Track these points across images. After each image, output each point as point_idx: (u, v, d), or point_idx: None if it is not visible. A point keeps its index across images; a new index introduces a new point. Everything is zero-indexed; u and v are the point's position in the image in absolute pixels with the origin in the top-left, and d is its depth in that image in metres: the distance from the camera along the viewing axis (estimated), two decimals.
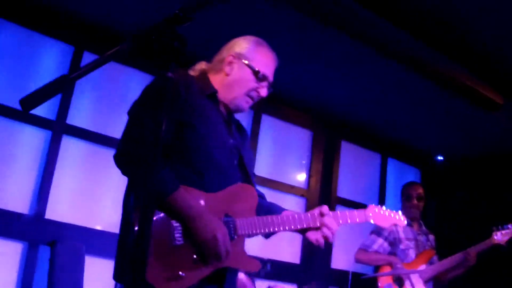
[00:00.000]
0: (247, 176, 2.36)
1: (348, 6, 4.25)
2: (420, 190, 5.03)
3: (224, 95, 2.37)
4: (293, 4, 4.18)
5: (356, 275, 5.04)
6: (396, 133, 6.56)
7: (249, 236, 2.23)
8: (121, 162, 2.05)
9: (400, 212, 2.76)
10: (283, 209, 2.45)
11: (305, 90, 5.70)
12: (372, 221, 2.57)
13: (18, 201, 4.22)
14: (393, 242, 4.87)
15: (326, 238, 2.32)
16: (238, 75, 2.37)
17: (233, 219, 2.18)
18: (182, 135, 2.10)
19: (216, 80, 2.39)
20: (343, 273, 5.84)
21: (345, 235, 6.19)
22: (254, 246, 5.22)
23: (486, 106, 5.27)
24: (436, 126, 6.17)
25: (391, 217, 2.68)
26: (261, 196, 2.49)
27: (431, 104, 5.60)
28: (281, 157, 5.96)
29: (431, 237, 5.05)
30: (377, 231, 4.98)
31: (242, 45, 2.42)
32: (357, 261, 4.98)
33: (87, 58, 4.62)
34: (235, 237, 2.16)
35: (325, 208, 2.38)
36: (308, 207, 5.95)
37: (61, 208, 4.38)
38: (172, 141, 2.09)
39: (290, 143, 6.07)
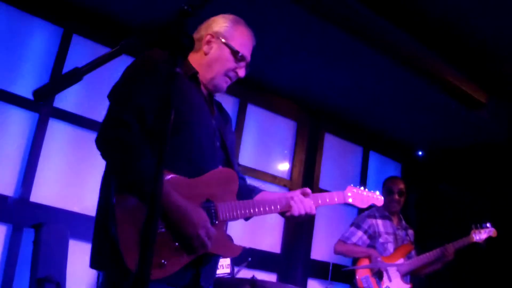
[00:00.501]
0: (228, 158, 2.37)
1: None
2: (402, 185, 5.12)
3: (203, 75, 2.35)
4: None
5: (336, 266, 5.13)
6: (378, 126, 6.64)
7: (230, 220, 2.24)
8: (102, 146, 2.02)
9: (378, 192, 2.85)
10: (261, 190, 2.50)
11: (291, 80, 5.73)
12: (350, 201, 2.67)
13: (3, 183, 4.20)
14: (372, 235, 4.96)
15: (299, 214, 2.36)
16: (216, 54, 2.36)
17: (214, 204, 2.17)
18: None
19: (194, 59, 2.36)
20: (323, 264, 5.94)
21: (326, 227, 6.29)
22: (235, 235, 5.32)
23: (470, 105, 5.38)
24: (418, 120, 6.26)
25: (368, 196, 2.76)
26: (242, 178, 2.50)
27: (414, 98, 5.67)
28: (265, 147, 6.00)
29: (410, 232, 5.16)
30: (357, 223, 5.08)
31: (221, 23, 2.40)
32: (336, 252, 5.07)
33: (76, 40, 4.59)
34: (216, 222, 2.15)
35: (307, 190, 2.44)
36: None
37: (47, 191, 4.37)
38: (154, 123, 2.04)
39: (275, 133, 6.12)
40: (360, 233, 5.01)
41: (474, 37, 4.77)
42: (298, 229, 6.06)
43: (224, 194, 2.22)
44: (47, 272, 3.95)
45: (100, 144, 2.02)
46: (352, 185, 2.74)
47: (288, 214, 2.38)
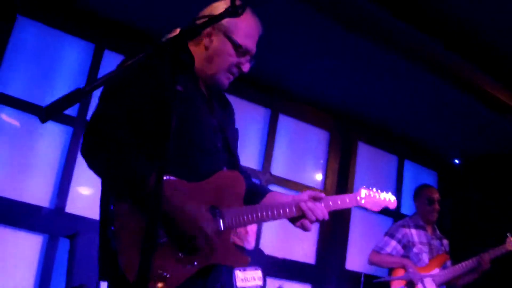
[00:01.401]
0: (232, 158, 2.22)
1: (369, 9, 4.28)
2: (437, 194, 5.04)
3: (203, 70, 2.14)
4: (315, 5, 4.22)
5: (368, 277, 5.08)
6: (413, 135, 6.56)
7: (237, 227, 2.09)
8: (88, 145, 1.89)
9: (390, 193, 2.62)
10: (269, 191, 2.33)
11: (323, 89, 5.73)
12: (363, 202, 2.46)
13: (40, 194, 4.35)
14: (407, 245, 4.88)
15: (312, 222, 2.20)
16: (218, 48, 2.12)
17: (220, 211, 2.03)
18: (162, 104, 1.82)
19: (194, 53, 2.12)
20: (356, 275, 5.88)
21: (360, 236, 6.23)
22: (268, 244, 5.35)
23: (505, 112, 5.26)
24: (453, 128, 6.17)
25: (381, 200, 2.53)
26: (246, 176, 2.33)
27: (449, 106, 5.60)
28: (298, 157, 6.00)
29: (445, 241, 5.05)
30: (391, 233, 5.01)
31: (219, 10, 1.95)
32: (370, 263, 5.00)
33: (108, 56, 4.73)
34: (223, 230, 2.01)
35: (319, 194, 2.25)
36: None
37: (81, 202, 4.49)
38: (149, 125, 1.90)
39: (307, 143, 6.11)
40: (394, 243, 4.93)
41: (507, 45, 4.68)
42: (333, 238, 6.02)
43: (230, 199, 2.08)
44: (81, 281, 4.07)
45: (86, 144, 1.90)
46: (364, 186, 2.53)
47: (298, 223, 2.22)
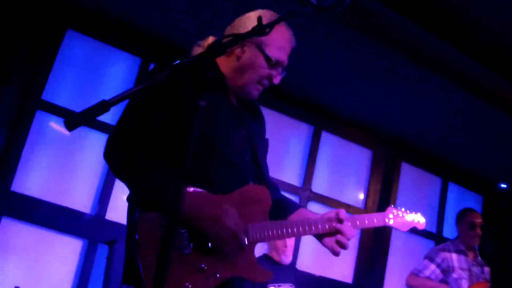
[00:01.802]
0: (260, 170, 2.18)
1: (417, 34, 4.28)
2: (480, 219, 4.90)
3: (233, 80, 2.14)
4: (362, 30, 4.25)
5: None
6: (458, 157, 6.41)
7: (261, 241, 2.07)
8: (110, 162, 1.95)
9: (420, 214, 2.59)
10: (297, 207, 2.28)
11: (367, 109, 5.70)
12: (391, 223, 2.44)
13: (82, 201, 4.50)
14: (446, 270, 4.77)
15: (342, 246, 2.14)
16: (249, 60, 2.10)
17: (245, 226, 2.00)
18: (186, 118, 1.85)
19: (224, 62, 2.14)
20: None
21: (400, 258, 6.12)
22: (305, 261, 5.33)
23: None
24: (500, 152, 6.00)
25: (408, 221, 2.50)
26: (275, 189, 2.31)
27: (495, 129, 5.47)
28: (339, 175, 5.96)
29: (486, 269, 4.90)
30: (430, 256, 4.90)
31: (252, 22, 2.00)
32: (408, 285, 4.91)
33: None
34: (246, 244, 2.00)
35: (342, 213, 2.16)
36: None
37: (121, 210, 4.60)
38: (171, 139, 1.93)
39: (349, 161, 6.07)
40: (433, 267, 4.82)
41: None
42: (372, 258, 5.94)
43: (255, 213, 2.05)
44: (118, 286, 4.17)
45: (109, 160, 1.96)
46: (392, 205, 2.51)
47: (328, 243, 2.17)
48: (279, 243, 4.35)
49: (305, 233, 2.14)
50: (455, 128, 5.68)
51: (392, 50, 4.43)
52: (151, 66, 4.85)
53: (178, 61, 1.61)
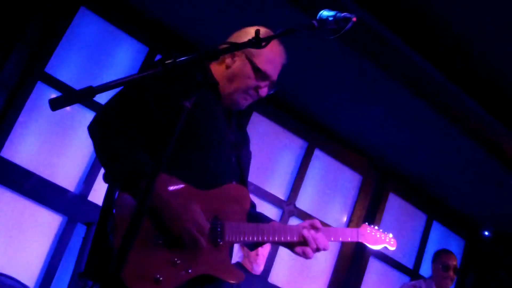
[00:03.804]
0: (242, 176, 2.25)
1: (423, 69, 4.32)
2: (456, 262, 4.92)
3: (223, 87, 2.22)
4: (364, 51, 4.29)
5: None
6: (448, 197, 6.42)
7: (236, 243, 2.12)
8: (95, 130, 2.00)
9: (391, 235, 2.69)
10: (271, 220, 2.34)
11: (364, 134, 5.73)
12: (362, 240, 2.52)
13: (68, 178, 4.52)
14: None
15: (314, 251, 2.23)
16: (238, 69, 2.20)
17: (222, 223, 2.04)
18: (172, 115, 1.89)
19: (217, 70, 2.24)
20: None
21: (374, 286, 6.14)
22: (279, 275, 5.33)
23: None
24: (489, 200, 6.02)
25: (381, 239, 2.60)
26: (252, 205, 2.35)
27: (489, 177, 5.50)
28: (326, 195, 5.97)
29: None
30: None
31: (249, 36, 2.05)
32: None
33: None
34: (221, 242, 2.03)
35: (317, 222, 2.27)
36: (343, 252, 5.94)
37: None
38: (157, 131, 2.00)
39: (338, 183, 6.07)
40: None
41: None
42: (345, 284, 5.94)
43: (234, 212, 2.10)
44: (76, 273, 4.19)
45: (93, 128, 2.01)
46: (367, 223, 2.61)
47: (299, 249, 2.24)
48: (252, 252, 4.36)
49: (280, 240, 2.20)
50: (449, 168, 5.70)
51: (396, 80, 4.47)
52: (157, 57, 4.89)
53: (171, 60, 1.66)
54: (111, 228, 1.89)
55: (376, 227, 2.62)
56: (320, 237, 2.23)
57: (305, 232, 2.22)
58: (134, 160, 1.92)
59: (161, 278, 1.86)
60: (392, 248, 2.68)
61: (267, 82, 2.24)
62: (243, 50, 2.17)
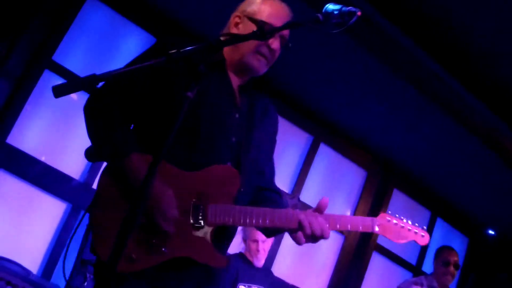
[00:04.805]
0: (244, 157, 2.09)
1: (429, 68, 4.32)
2: (457, 258, 4.89)
3: (232, 59, 2.14)
4: (373, 49, 4.29)
5: None
6: (452, 195, 6.42)
7: (221, 225, 1.96)
8: (88, 111, 2.00)
9: (425, 228, 2.30)
10: (280, 205, 2.13)
11: (370, 130, 5.74)
12: (376, 229, 2.14)
13: (74, 166, 4.57)
14: None
15: (308, 238, 1.99)
16: (243, 32, 2.12)
17: (204, 204, 1.95)
18: (172, 103, 1.93)
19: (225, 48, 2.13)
20: None
21: (375, 283, 6.14)
22: (281, 268, 5.35)
23: None
24: (494, 199, 6.01)
25: (406, 231, 2.20)
26: (276, 192, 2.25)
27: (494, 177, 5.50)
28: (330, 189, 5.98)
29: None
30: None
31: (250, 2, 2.17)
32: None
33: None
34: (203, 224, 1.93)
35: (322, 205, 2.03)
36: (345, 246, 5.95)
37: None
38: (155, 118, 1.98)
39: (342, 178, 6.08)
40: None
41: None
42: (347, 278, 5.95)
43: (219, 195, 1.98)
44: (93, 256, 4.23)
45: (87, 109, 2.01)
46: (389, 212, 2.21)
47: (293, 235, 2.04)
48: (253, 246, 4.38)
49: (272, 224, 2.00)
50: (454, 166, 5.70)
51: (402, 77, 4.47)
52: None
53: (175, 50, 1.66)
54: (90, 209, 1.96)
55: (401, 217, 2.20)
56: (317, 222, 1.97)
57: (301, 216, 1.98)
58: (111, 140, 1.93)
59: (134, 257, 1.84)
60: (422, 244, 2.27)
61: (275, 35, 2.11)
62: (243, 14, 2.15)
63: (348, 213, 6.12)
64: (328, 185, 5.98)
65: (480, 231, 6.84)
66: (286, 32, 2.14)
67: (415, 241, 2.23)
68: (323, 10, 1.92)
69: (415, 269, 6.39)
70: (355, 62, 4.53)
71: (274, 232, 2.17)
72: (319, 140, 5.85)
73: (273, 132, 2.34)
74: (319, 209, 2.03)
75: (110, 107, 1.97)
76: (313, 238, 1.99)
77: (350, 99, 5.21)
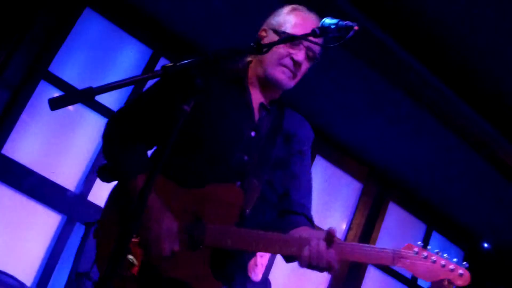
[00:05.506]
0: (255, 177, 1.97)
1: (427, 80, 4.33)
2: None
3: (256, 75, 2.07)
4: (371, 62, 4.31)
5: None
6: (448, 208, 6.41)
7: (220, 247, 1.85)
8: (103, 134, 2.04)
9: (465, 264, 1.88)
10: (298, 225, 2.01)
11: (366, 142, 5.74)
12: (406, 268, 1.83)
13: (68, 178, 4.55)
14: None
15: (312, 268, 1.82)
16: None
17: (203, 225, 1.86)
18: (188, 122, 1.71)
19: (252, 62, 2.09)
20: None
21: None
22: (279, 279, 5.31)
23: None
24: (490, 212, 6.01)
25: (439, 268, 1.81)
26: (307, 217, 2.16)
27: (491, 191, 5.51)
28: (325, 202, 5.96)
29: None
30: None
31: (276, 14, 2.09)
32: None
33: (163, 63, 4.91)
34: (201, 246, 1.85)
35: (332, 234, 1.79)
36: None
37: (104, 194, 4.64)
38: (160, 134, 1.92)
39: (338, 190, 6.07)
40: None
41: None
42: None
43: (220, 215, 1.88)
44: (87, 269, 4.19)
45: (104, 131, 2.06)
46: (420, 243, 1.87)
47: (298, 261, 1.84)
48: (251, 260, 4.35)
49: (273, 252, 1.95)
50: (449, 179, 5.70)
51: (398, 90, 4.48)
52: (161, 60, 4.91)
53: (171, 64, 1.66)
54: (98, 222, 1.98)
55: (436, 250, 1.84)
56: (324, 254, 1.78)
57: (306, 251, 1.80)
58: (120, 161, 1.97)
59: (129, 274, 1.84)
60: (461, 284, 1.83)
61: (300, 47, 2.02)
62: (269, 27, 2.07)
63: (344, 225, 6.11)
64: (324, 197, 5.96)
65: (476, 244, 6.83)
66: (313, 46, 2.02)
67: (450, 281, 1.82)
68: (320, 24, 1.92)
69: (411, 283, 6.37)
70: (350, 74, 4.55)
71: (293, 258, 1.91)
72: (315, 152, 5.84)
73: (299, 151, 2.18)
74: (328, 240, 1.80)
75: (121, 132, 2.00)
76: (318, 269, 1.82)
77: (348, 109, 5.21)
